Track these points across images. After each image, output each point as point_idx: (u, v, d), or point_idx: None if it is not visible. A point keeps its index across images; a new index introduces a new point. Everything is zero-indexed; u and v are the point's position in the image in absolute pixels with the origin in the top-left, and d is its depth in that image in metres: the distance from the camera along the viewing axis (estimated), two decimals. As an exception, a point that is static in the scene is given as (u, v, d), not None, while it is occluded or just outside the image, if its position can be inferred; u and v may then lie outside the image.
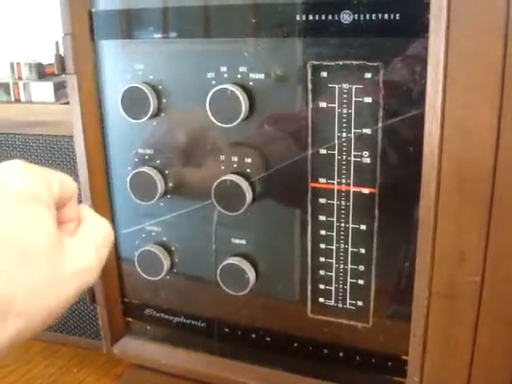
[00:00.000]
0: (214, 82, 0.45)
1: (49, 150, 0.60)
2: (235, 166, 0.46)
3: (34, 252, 0.27)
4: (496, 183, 0.38)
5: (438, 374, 0.44)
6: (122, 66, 0.49)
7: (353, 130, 0.42)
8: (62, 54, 0.49)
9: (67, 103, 0.51)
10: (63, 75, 0.49)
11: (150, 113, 0.47)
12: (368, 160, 0.42)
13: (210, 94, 0.43)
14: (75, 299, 0.30)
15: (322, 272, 0.47)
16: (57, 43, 0.49)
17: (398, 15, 0.38)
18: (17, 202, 0.28)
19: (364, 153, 0.42)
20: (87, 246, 0.31)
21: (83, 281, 0.30)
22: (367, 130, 0.41)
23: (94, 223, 0.33)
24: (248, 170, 0.46)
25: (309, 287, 0.48)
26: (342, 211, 0.44)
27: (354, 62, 0.40)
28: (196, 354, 0.55)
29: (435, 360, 0.43)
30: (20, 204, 0.28)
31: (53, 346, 0.66)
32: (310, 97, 0.42)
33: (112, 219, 0.54)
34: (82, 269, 0.30)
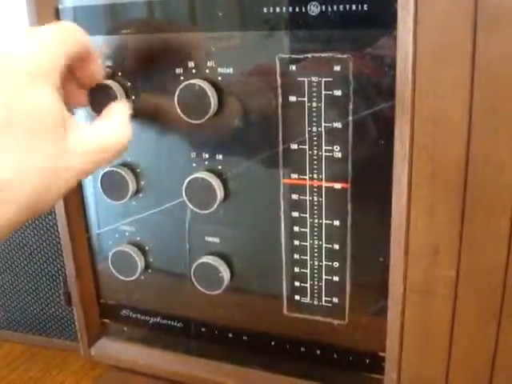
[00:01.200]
0: (182, 78, 0.44)
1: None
2: (206, 162, 0.46)
3: (39, 134, 0.28)
4: (468, 175, 0.37)
5: (415, 371, 0.43)
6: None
7: (323, 124, 0.41)
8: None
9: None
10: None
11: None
12: (339, 154, 0.41)
13: (178, 90, 0.43)
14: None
15: (296, 269, 0.46)
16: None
17: (365, 6, 0.37)
18: (20, 83, 0.28)
19: (335, 147, 0.41)
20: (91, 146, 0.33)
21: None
22: (338, 124, 0.41)
23: (111, 128, 0.35)
24: (219, 167, 0.45)
25: (284, 285, 0.47)
26: (315, 207, 0.43)
27: (322, 55, 0.40)
28: (174, 355, 0.54)
29: (413, 357, 0.43)
30: (22, 85, 0.28)
31: (32, 349, 0.65)
32: (279, 91, 0.42)
33: (85, 219, 0.53)
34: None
